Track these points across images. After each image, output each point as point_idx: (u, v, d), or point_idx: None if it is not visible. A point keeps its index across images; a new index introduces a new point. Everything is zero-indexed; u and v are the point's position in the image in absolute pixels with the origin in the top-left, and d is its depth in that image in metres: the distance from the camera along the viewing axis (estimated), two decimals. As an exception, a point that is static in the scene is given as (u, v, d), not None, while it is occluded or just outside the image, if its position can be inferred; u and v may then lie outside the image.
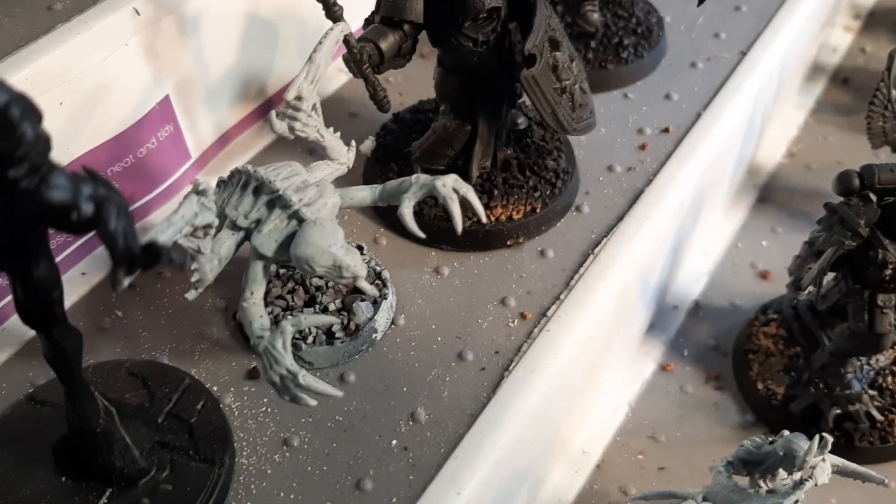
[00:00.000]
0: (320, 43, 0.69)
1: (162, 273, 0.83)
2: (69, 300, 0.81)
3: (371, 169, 0.91)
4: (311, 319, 0.63)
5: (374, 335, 0.77)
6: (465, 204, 0.71)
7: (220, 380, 0.75)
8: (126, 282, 0.49)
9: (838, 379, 0.90)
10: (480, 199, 0.84)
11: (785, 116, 1.30)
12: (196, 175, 0.92)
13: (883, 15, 1.52)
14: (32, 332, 0.78)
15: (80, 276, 0.83)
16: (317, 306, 0.77)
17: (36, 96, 0.46)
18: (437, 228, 0.83)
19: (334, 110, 1.03)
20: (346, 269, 0.64)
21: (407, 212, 0.67)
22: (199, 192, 0.59)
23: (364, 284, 0.67)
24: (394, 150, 0.91)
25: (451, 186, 0.66)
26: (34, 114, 0.46)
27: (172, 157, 0.87)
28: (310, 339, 0.75)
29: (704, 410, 0.95)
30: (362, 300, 0.77)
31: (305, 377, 0.60)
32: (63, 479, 0.66)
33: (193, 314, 0.80)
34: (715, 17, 1.13)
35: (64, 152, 0.77)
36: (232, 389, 0.74)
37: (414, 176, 0.68)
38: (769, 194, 1.20)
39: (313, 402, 0.62)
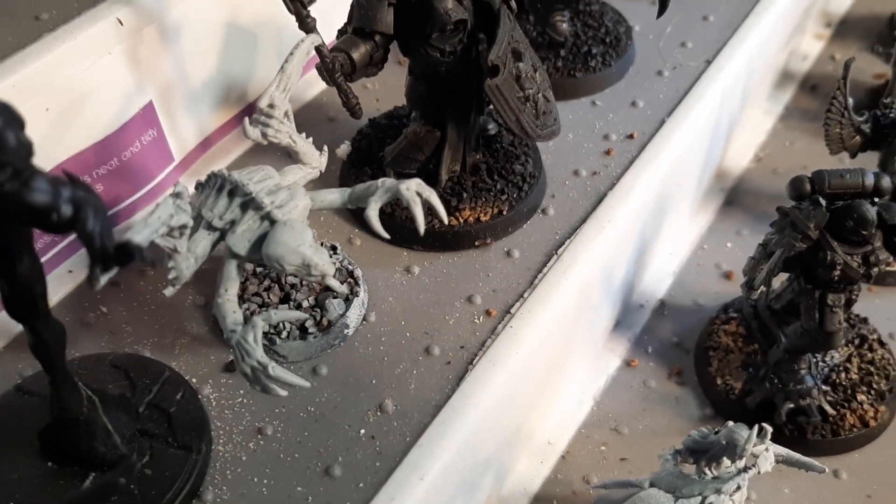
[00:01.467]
0: (291, 54, 0.73)
1: (145, 271, 0.87)
2: (56, 296, 0.85)
3: (346, 172, 0.95)
4: (280, 315, 0.67)
5: (345, 330, 0.81)
6: (429, 206, 0.75)
7: (199, 372, 0.79)
8: (103, 279, 0.53)
9: (792, 375, 0.94)
10: (450, 201, 0.89)
11: (753, 122, 1.35)
12: (179, 177, 0.96)
13: (853, 23, 1.57)
14: (21, 327, 0.83)
15: (66, 273, 0.86)
16: (291, 303, 0.81)
17: (23, 102, 0.50)
18: (407, 230, 0.87)
19: (313, 115, 1.08)
20: (315, 268, 0.68)
21: (373, 214, 0.71)
22: (174, 194, 0.63)
23: (332, 282, 0.71)
24: (368, 154, 0.95)
25: (414, 190, 0.70)
26: (16, 121, 0.50)
27: (156, 160, 0.91)
28: (284, 334, 0.79)
29: (666, 404, 0.99)
30: (335, 297, 0.81)
31: (275, 369, 0.64)
32: (48, 464, 0.70)
33: (174, 310, 0.84)
34: (682, 26, 1.17)
35: (50, 156, 0.81)
36: (210, 381, 0.78)
37: (380, 180, 0.72)
38: (736, 197, 1.24)
39: (284, 393, 0.66)
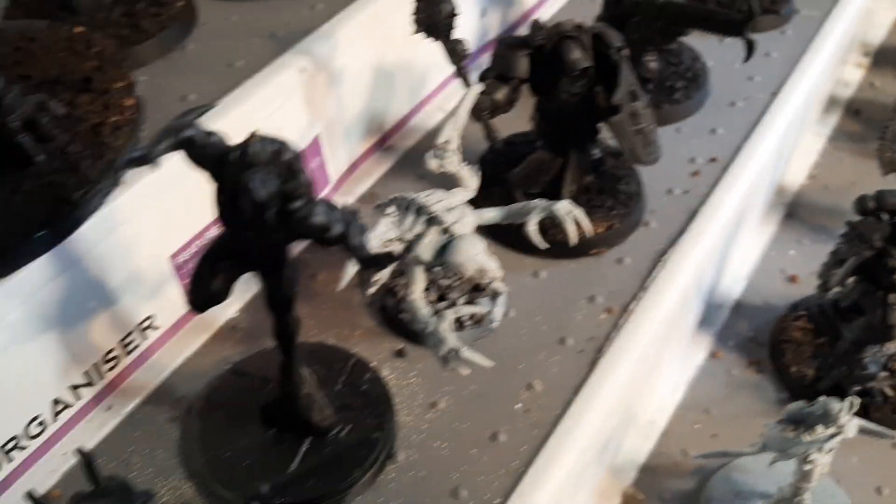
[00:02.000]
0: (462, 100, 0.89)
1: (315, 274, 1.04)
2: (248, 295, 1.02)
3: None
4: (465, 309, 0.83)
5: (492, 324, 0.97)
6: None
7: (376, 358, 0.95)
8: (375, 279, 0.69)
9: (857, 363, 1.10)
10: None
11: (805, 144, 1.51)
12: (333, 197, 1.12)
13: (889, 52, 1.73)
14: (223, 319, 1.00)
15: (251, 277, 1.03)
16: (447, 301, 0.97)
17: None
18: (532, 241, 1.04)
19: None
20: (488, 272, 0.84)
21: (532, 228, 0.88)
22: (388, 215, 0.80)
23: (499, 284, 0.88)
24: (492, 177, 1.11)
25: (565, 210, 0.87)
26: (303, 161, 0.67)
27: (318, 184, 1.08)
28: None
29: (747, 390, 1.15)
30: (482, 297, 0.97)
31: (465, 352, 0.80)
32: (271, 432, 0.86)
33: (348, 308, 1.00)
34: (749, 62, 1.33)
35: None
36: (386, 365, 0.94)
37: (535, 201, 0.89)
38: (794, 211, 1.40)
39: (466, 372, 0.82)
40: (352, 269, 0.84)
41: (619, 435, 1.05)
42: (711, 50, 1.34)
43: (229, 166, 0.63)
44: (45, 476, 0.86)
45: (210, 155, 0.64)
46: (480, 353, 0.95)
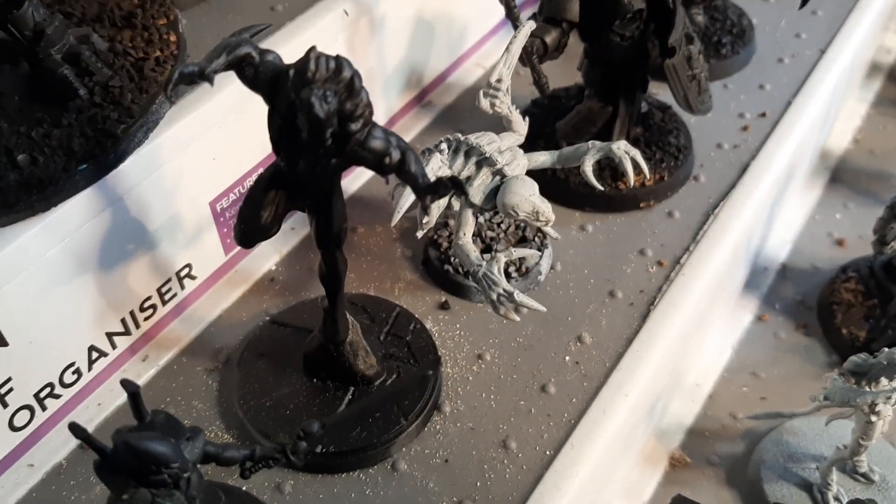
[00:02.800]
0: (514, 37, 0.86)
1: (356, 228, 1.01)
2: (285, 249, 0.99)
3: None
4: (517, 252, 0.80)
5: (539, 276, 0.94)
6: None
7: (419, 310, 0.92)
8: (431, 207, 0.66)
9: (912, 323, 1.07)
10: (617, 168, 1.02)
11: (848, 109, 1.47)
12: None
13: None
14: (261, 272, 0.97)
15: (290, 230, 1.00)
16: (493, 252, 0.94)
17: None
18: (580, 194, 1.01)
19: (474, 100, 1.20)
20: (542, 214, 0.81)
21: (588, 169, 0.84)
22: (440, 151, 0.77)
23: (550, 229, 0.84)
24: (537, 130, 1.08)
25: (623, 149, 0.83)
26: (362, 82, 0.64)
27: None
28: (491, 278, 0.92)
29: (796, 353, 1.12)
30: (528, 248, 0.94)
31: (519, 295, 0.77)
32: (314, 381, 0.84)
33: (389, 261, 0.97)
34: (795, 19, 1.30)
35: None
36: (429, 317, 0.91)
37: (590, 142, 0.85)
38: (839, 175, 1.37)
39: (517, 318, 0.79)
40: (406, 201, 0.81)
41: (665, 396, 1.01)
42: (755, 7, 1.30)
43: (287, 84, 0.59)
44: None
45: (266, 74, 0.61)
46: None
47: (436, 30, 1.13)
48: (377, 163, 0.65)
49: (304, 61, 0.60)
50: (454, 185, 0.65)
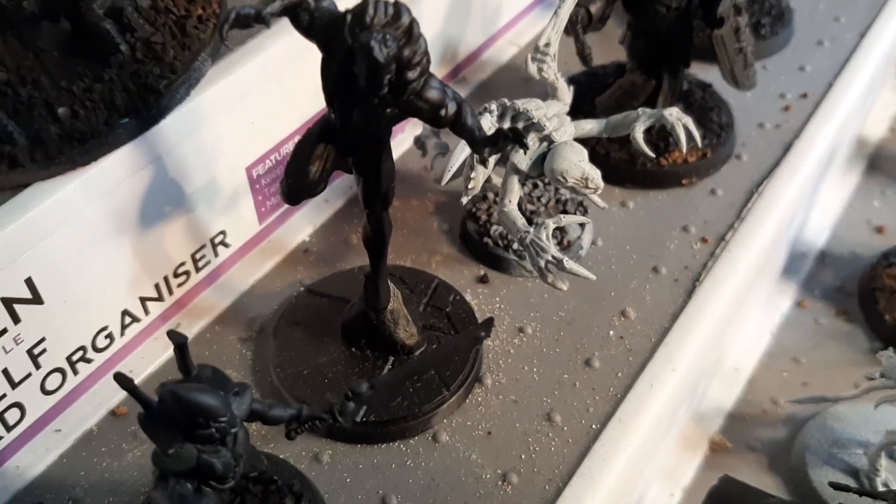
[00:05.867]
0: (563, 1, 0.84)
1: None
2: (319, 221, 0.97)
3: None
4: (567, 219, 0.78)
5: (580, 251, 0.92)
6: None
7: (457, 284, 0.89)
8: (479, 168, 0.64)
9: (958, 309, 1.04)
10: (658, 144, 0.99)
11: (884, 97, 1.45)
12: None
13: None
14: (294, 243, 0.95)
15: (323, 202, 0.98)
16: (533, 226, 0.92)
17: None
18: (621, 169, 0.99)
19: (508, 78, 1.19)
20: (592, 181, 0.78)
21: (639, 136, 0.82)
22: (490, 112, 0.75)
23: (597, 198, 0.82)
24: (574, 107, 1.06)
25: (675, 116, 0.81)
26: (420, 30, 0.62)
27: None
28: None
29: (837, 339, 1.09)
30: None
31: (569, 262, 0.75)
32: (353, 349, 0.81)
33: (425, 234, 0.95)
34: (834, 2, 1.28)
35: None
36: (468, 291, 0.89)
37: (640, 109, 0.83)
38: (876, 163, 1.34)
39: (565, 287, 0.77)
40: (457, 159, 0.78)
41: (705, 379, 0.99)
42: (794, -12, 1.28)
43: (344, 29, 0.57)
44: (110, 393, 0.81)
45: (322, 19, 0.59)
46: (570, 279, 0.91)
47: (472, 6, 1.11)
48: (433, 114, 0.63)
49: (362, 6, 0.58)
50: (514, 137, 0.63)
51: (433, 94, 0.62)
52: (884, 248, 1.17)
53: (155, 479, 0.58)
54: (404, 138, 1.05)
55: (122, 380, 0.56)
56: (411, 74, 0.60)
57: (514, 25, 1.22)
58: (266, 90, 0.85)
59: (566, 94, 0.87)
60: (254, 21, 0.58)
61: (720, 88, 1.06)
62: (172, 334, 0.58)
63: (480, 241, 0.92)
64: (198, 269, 0.88)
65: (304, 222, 0.97)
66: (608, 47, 1.09)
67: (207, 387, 0.57)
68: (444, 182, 0.80)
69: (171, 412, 0.56)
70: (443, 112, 0.63)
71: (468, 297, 0.88)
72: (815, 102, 1.10)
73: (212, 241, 0.88)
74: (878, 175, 1.32)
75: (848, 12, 1.27)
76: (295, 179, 0.67)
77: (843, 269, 1.17)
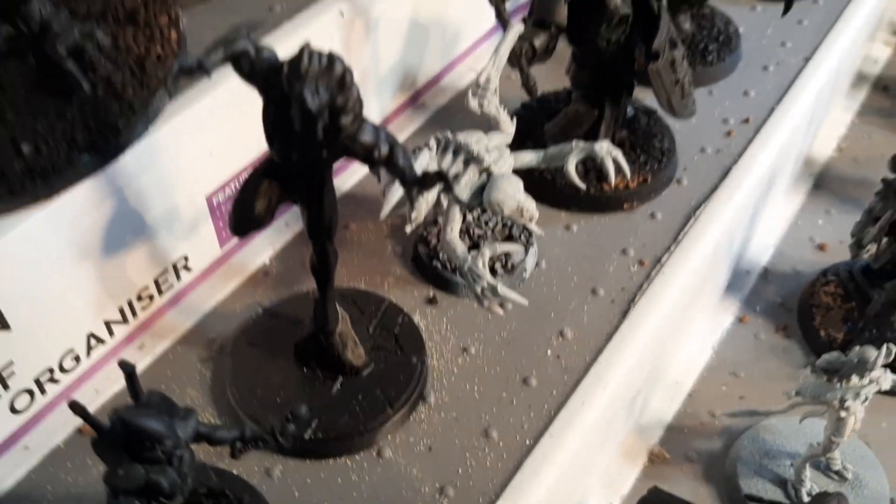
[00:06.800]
0: (503, 40, 0.89)
1: (348, 225, 1.03)
2: (279, 244, 1.02)
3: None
4: (502, 247, 0.83)
5: (524, 273, 0.97)
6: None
7: (407, 304, 0.94)
8: (419, 201, 0.69)
9: (888, 325, 1.09)
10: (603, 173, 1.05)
11: (834, 117, 1.50)
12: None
13: (917, 31, 1.73)
14: (255, 266, 1.00)
15: (284, 226, 1.03)
16: (480, 249, 0.97)
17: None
18: (566, 194, 1.04)
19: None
20: (527, 211, 0.84)
21: (571, 169, 0.87)
22: (429, 148, 0.80)
23: (534, 226, 0.87)
24: (526, 132, 1.11)
25: (605, 150, 0.87)
26: (353, 77, 0.67)
27: (350, 133, 1.08)
28: (478, 274, 0.95)
29: (775, 353, 1.15)
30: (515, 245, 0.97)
31: (502, 288, 0.80)
32: (304, 370, 0.86)
33: (379, 256, 1.00)
34: (781, 28, 1.33)
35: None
36: (417, 311, 0.94)
37: (573, 142, 0.89)
38: (823, 182, 1.40)
39: (501, 312, 0.82)
40: (395, 195, 0.84)
41: (646, 391, 1.04)
42: (742, 15, 1.33)
43: (281, 78, 0.62)
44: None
45: (261, 68, 0.64)
46: (512, 302, 0.96)
47: (430, 33, 1.16)
48: (366, 155, 0.68)
49: (297, 57, 0.63)
50: (440, 179, 0.68)
51: (367, 137, 0.67)
52: (824, 265, 1.22)
53: (107, 497, 0.63)
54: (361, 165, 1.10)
55: (76, 407, 0.61)
56: (345, 120, 0.65)
57: (473, 51, 1.27)
58: (223, 122, 0.90)
59: (508, 125, 0.92)
60: (196, 71, 0.62)
61: (665, 114, 1.12)
62: (122, 364, 0.63)
63: (430, 264, 0.97)
64: (161, 293, 0.92)
65: (265, 245, 1.02)
66: (560, 74, 1.14)
67: (154, 412, 0.62)
68: (382, 216, 0.86)
69: (121, 436, 0.61)
70: (376, 154, 0.68)
71: (417, 318, 0.93)
72: (756, 127, 1.16)
73: (174, 265, 0.92)
74: (823, 194, 1.37)
75: (795, 37, 1.32)
76: (241, 214, 0.72)
77: (785, 285, 1.22)
